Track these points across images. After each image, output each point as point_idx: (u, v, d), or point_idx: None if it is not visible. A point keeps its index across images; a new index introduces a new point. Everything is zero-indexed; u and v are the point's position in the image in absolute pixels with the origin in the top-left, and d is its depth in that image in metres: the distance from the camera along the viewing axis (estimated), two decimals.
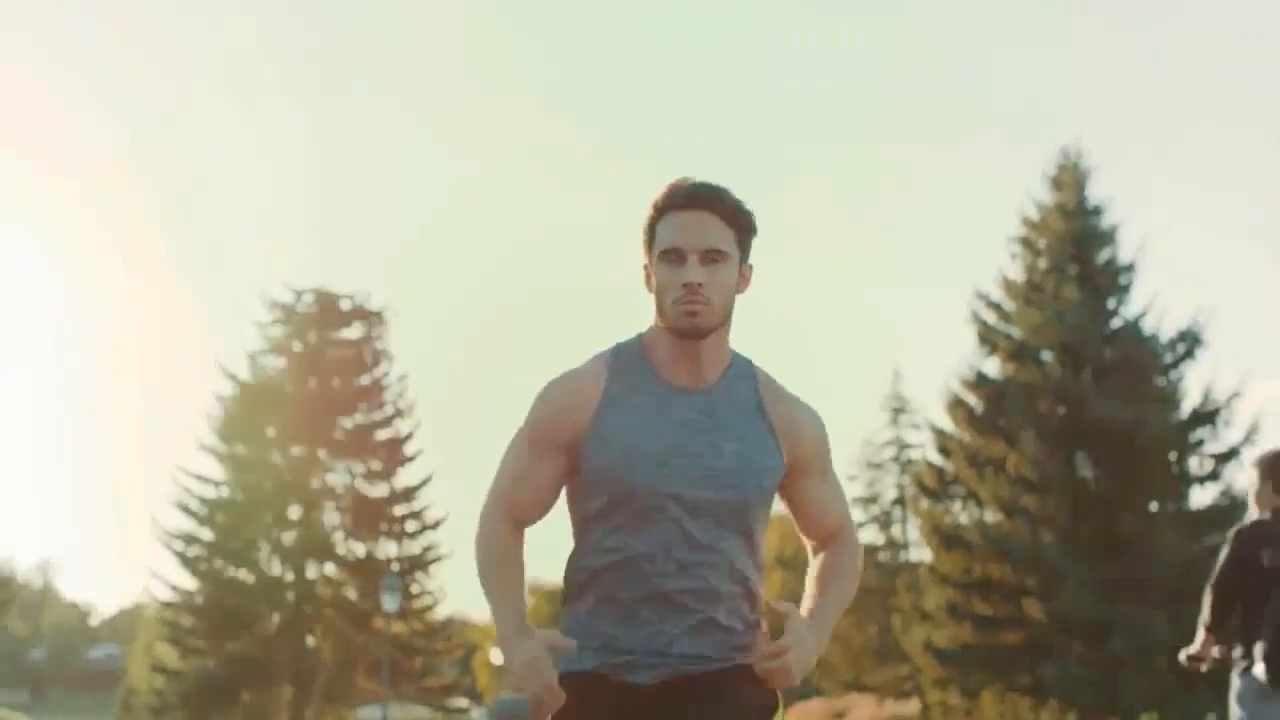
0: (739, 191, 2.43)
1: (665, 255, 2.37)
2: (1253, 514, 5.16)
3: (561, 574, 2.49)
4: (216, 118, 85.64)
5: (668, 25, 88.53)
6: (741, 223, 2.40)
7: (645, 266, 2.44)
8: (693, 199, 2.37)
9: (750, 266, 2.45)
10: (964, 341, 25.30)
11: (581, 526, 2.46)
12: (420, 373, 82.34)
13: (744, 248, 2.42)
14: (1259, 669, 4.85)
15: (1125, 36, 75.16)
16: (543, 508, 2.47)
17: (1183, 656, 5.20)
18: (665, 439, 2.37)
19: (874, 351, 76.31)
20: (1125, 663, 21.25)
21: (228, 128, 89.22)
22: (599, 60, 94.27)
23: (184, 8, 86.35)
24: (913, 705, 30.63)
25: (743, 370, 2.47)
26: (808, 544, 2.61)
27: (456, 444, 68.77)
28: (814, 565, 2.60)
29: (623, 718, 2.39)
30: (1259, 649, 4.85)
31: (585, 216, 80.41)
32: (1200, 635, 5.11)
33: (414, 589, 28.97)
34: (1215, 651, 5.09)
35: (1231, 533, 5.14)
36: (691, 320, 2.34)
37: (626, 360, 2.45)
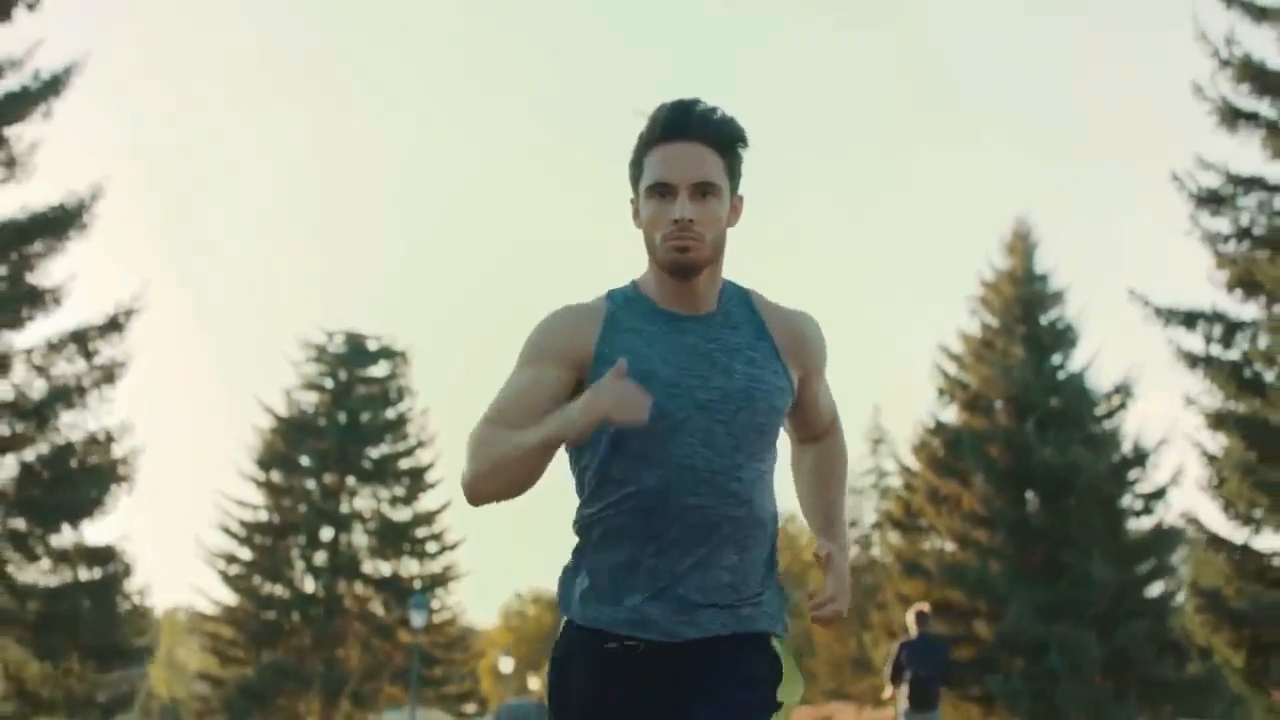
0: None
1: (653, 189, 2.21)
2: (911, 633, 11.10)
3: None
4: (216, 120, 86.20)
5: (669, 27, 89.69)
6: (734, 152, 2.24)
7: (632, 201, 2.28)
8: (682, 128, 2.20)
9: (741, 198, 2.29)
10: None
11: (593, 470, 2.27)
12: (439, 405, 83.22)
13: (735, 178, 2.26)
14: (904, 705, 10.99)
15: (1125, 37, 77.17)
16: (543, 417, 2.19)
17: (883, 696, 10.55)
18: (673, 361, 2.22)
19: (872, 353, 77.74)
20: (1061, 676, 22.57)
21: (228, 130, 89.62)
22: (598, 63, 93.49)
23: (184, 9, 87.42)
24: (889, 712, 32.76)
25: (737, 295, 2.33)
26: (792, 438, 2.55)
27: None
28: (807, 459, 2.54)
29: (628, 679, 2.22)
30: (904, 692, 11.10)
31: (588, 223, 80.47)
32: (888, 688, 11.17)
33: (435, 604, 30.71)
34: (897, 697, 11.14)
35: (896, 644, 10.34)
36: (683, 256, 2.19)
37: (624, 296, 2.31)
